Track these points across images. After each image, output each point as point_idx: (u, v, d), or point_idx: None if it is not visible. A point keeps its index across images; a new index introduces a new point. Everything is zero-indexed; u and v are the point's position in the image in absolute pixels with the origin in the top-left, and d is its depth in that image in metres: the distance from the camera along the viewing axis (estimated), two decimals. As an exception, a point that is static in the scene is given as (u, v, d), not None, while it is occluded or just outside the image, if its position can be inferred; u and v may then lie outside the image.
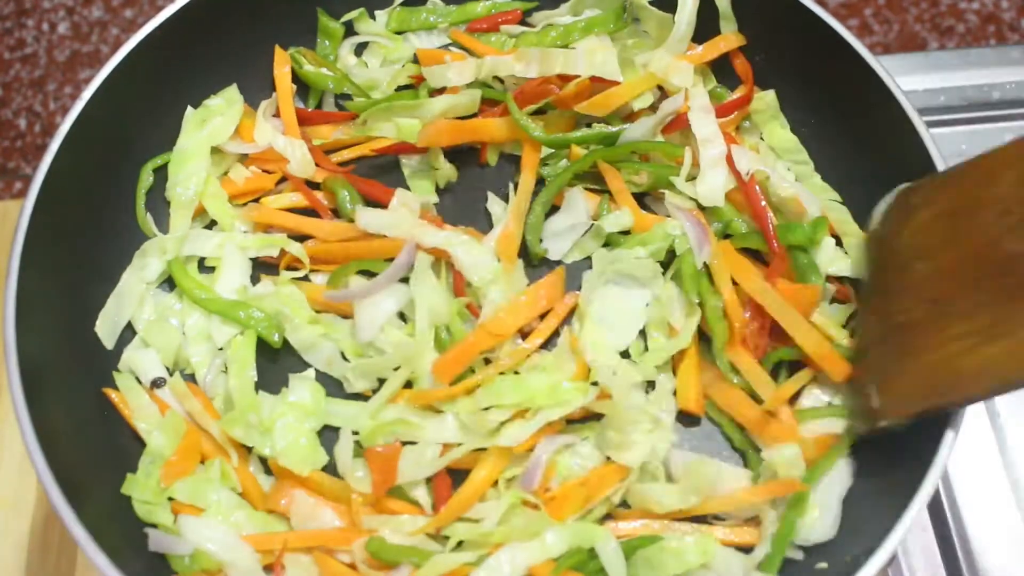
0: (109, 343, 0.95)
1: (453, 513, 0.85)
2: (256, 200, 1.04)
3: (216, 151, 1.04)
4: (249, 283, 0.99)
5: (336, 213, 1.01)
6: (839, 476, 0.88)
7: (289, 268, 1.00)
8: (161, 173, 1.03)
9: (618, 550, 0.83)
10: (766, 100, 1.05)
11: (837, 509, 0.88)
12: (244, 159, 1.06)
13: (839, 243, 0.98)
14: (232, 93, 1.06)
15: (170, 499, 0.88)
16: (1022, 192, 0.67)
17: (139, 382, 0.94)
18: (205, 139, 1.02)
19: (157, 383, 0.93)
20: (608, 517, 0.88)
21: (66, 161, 0.92)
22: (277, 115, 1.08)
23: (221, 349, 0.96)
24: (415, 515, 0.87)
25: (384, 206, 0.99)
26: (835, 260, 0.99)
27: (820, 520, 0.87)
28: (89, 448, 0.88)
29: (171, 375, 0.94)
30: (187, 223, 1.00)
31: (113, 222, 1.00)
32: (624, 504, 0.89)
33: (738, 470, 0.89)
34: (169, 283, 1.00)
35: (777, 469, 0.86)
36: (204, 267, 1.01)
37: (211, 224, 1.03)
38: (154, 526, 0.86)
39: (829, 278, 0.96)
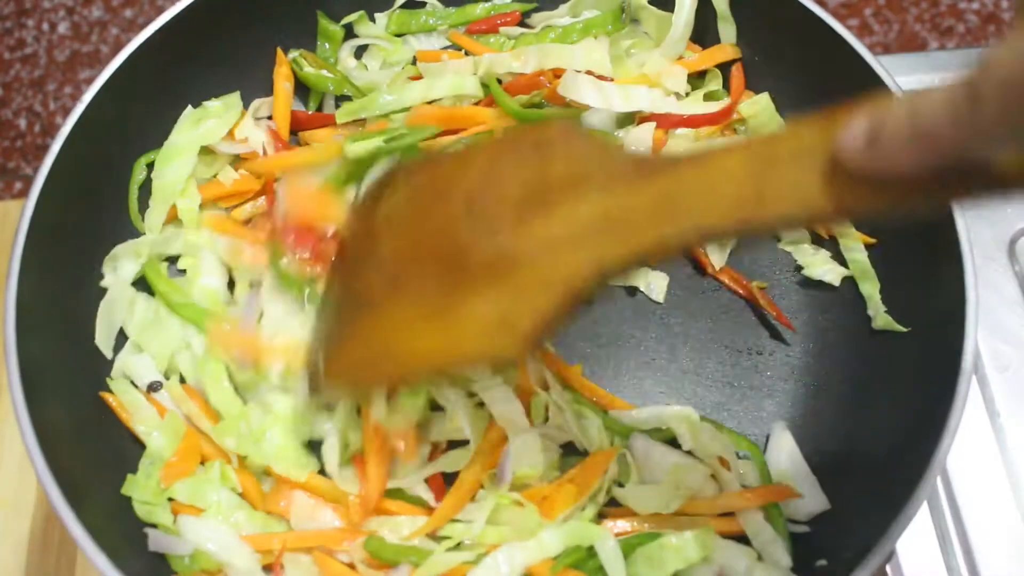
0: (108, 352, 0.95)
1: (446, 515, 0.85)
2: (241, 204, 1.03)
3: (208, 152, 1.03)
4: (225, 289, 0.98)
5: None
6: (783, 444, 0.90)
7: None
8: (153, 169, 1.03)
9: (616, 548, 0.83)
10: (760, 104, 1.04)
11: (812, 478, 0.89)
12: (235, 162, 1.05)
13: (819, 244, 1.00)
14: (233, 99, 1.06)
15: (170, 500, 0.88)
16: (483, 187, 0.69)
17: (135, 386, 0.94)
18: (197, 137, 1.02)
19: (153, 387, 0.93)
20: (603, 516, 0.88)
21: (67, 162, 0.92)
22: (272, 118, 1.08)
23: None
24: (413, 515, 0.87)
25: None
26: (813, 264, 0.99)
27: (803, 490, 0.88)
28: (89, 448, 0.88)
29: (167, 379, 0.94)
30: (162, 218, 1.00)
31: (114, 223, 1.00)
32: (615, 503, 0.89)
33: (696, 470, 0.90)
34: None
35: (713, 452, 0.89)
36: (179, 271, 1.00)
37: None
38: (154, 526, 0.86)
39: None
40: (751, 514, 0.87)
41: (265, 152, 1.02)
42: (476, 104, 1.05)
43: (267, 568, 0.85)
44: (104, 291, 0.96)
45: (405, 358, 0.71)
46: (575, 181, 0.65)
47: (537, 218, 0.65)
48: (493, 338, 0.65)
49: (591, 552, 0.84)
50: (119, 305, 0.96)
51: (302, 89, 1.10)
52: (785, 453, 0.92)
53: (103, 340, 0.95)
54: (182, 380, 0.95)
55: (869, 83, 0.95)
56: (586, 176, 0.64)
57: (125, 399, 0.92)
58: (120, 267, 0.97)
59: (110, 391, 0.92)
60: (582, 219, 0.63)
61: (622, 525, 0.87)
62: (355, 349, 0.75)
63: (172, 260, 1.01)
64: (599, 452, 0.89)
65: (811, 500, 0.89)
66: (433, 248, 0.71)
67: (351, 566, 0.85)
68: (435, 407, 0.91)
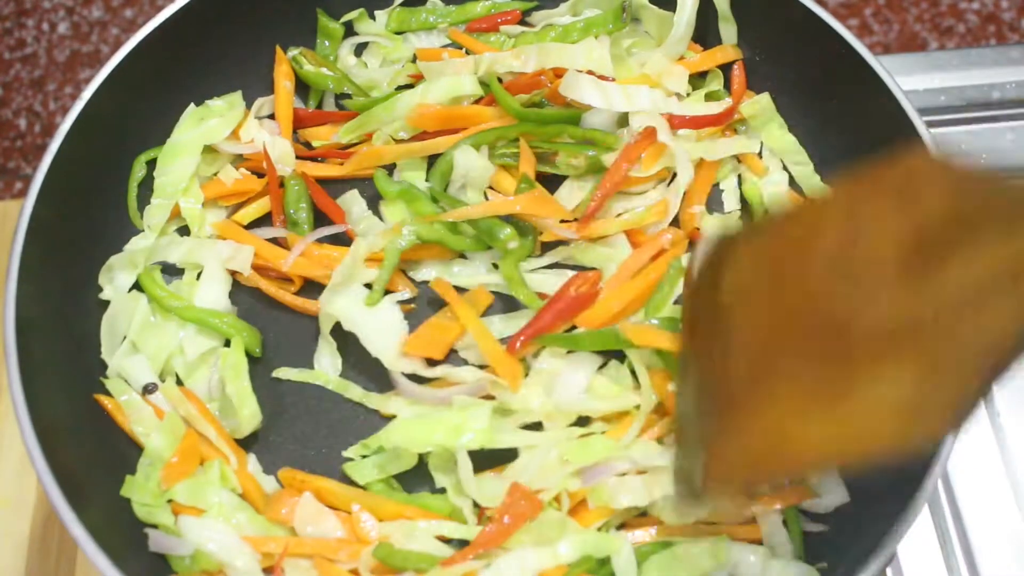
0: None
1: (503, 537, 0.83)
2: (242, 204, 1.03)
3: (210, 151, 1.03)
4: (227, 298, 0.98)
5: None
6: None
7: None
8: (154, 166, 1.02)
9: (632, 559, 0.83)
10: (761, 104, 1.04)
11: (833, 471, 0.88)
12: (237, 161, 1.05)
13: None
14: (235, 98, 1.06)
15: (169, 501, 0.87)
16: (847, 245, 0.60)
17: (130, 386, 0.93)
18: (200, 136, 1.02)
19: (149, 389, 0.93)
20: (622, 526, 0.88)
21: (66, 161, 0.92)
22: (274, 117, 1.08)
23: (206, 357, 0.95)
24: (428, 519, 0.86)
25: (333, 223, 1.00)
26: None
27: (823, 486, 0.88)
28: (90, 448, 0.88)
29: (163, 381, 0.94)
30: (165, 216, 0.99)
31: (114, 222, 1.00)
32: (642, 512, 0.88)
33: None
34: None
35: None
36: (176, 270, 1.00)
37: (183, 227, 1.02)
38: (154, 526, 0.86)
39: None
40: (770, 515, 0.87)
41: (267, 152, 1.02)
42: (476, 103, 1.05)
43: (267, 570, 0.85)
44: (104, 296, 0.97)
45: (801, 450, 0.61)
46: (965, 225, 0.55)
47: (931, 274, 0.55)
48: (906, 424, 0.56)
49: (604, 559, 0.83)
50: (121, 319, 0.96)
51: (302, 87, 1.10)
52: None
53: (108, 352, 0.94)
54: (179, 382, 0.95)
55: (869, 83, 0.95)
56: (977, 218, 0.55)
57: (122, 400, 0.92)
58: (116, 278, 0.97)
59: (102, 396, 0.92)
60: (990, 269, 0.53)
61: (639, 535, 0.86)
62: (739, 446, 0.65)
63: (169, 267, 1.01)
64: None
65: (831, 493, 0.89)
66: (802, 322, 0.61)
67: (354, 572, 0.85)
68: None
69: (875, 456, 0.59)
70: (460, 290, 0.97)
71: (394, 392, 0.92)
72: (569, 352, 0.92)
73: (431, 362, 0.93)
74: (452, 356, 0.95)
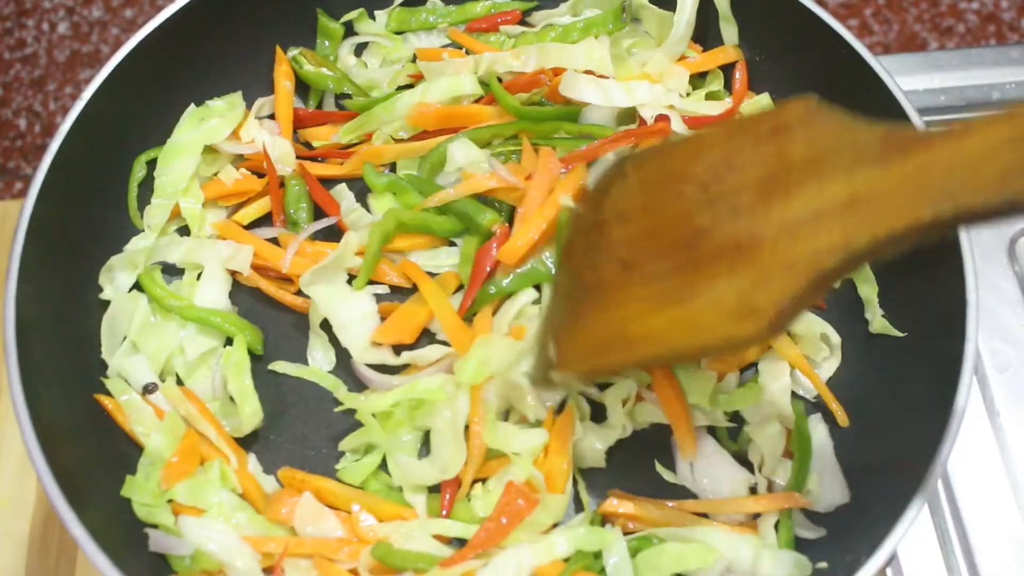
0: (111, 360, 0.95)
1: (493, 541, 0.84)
2: (242, 204, 1.04)
3: (210, 151, 1.03)
4: (227, 297, 0.99)
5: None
6: (816, 435, 0.91)
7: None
8: (154, 167, 1.02)
9: (626, 556, 0.83)
10: (761, 104, 1.05)
11: (837, 470, 0.89)
12: (237, 161, 1.05)
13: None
14: (236, 98, 1.06)
15: (169, 501, 0.87)
16: (720, 172, 0.69)
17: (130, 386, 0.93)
18: (200, 136, 1.02)
19: (149, 389, 0.93)
20: (607, 521, 0.88)
21: (66, 161, 0.92)
22: (274, 117, 1.08)
23: (207, 357, 0.96)
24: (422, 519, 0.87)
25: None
26: None
27: (824, 484, 0.88)
28: (90, 448, 0.88)
29: (163, 381, 0.94)
30: (165, 216, 1.00)
31: (114, 222, 1.00)
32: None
33: (737, 471, 0.90)
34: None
35: (762, 449, 0.89)
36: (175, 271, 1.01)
37: (183, 227, 1.03)
38: (154, 526, 0.86)
39: None
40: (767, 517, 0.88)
41: (267, 152, 1.02)
42: (476, 102, 1.06)
43: (267, 570, 0.85)
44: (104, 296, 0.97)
45: (641, 342, 0.70)
46: (818, 161, 0.63)
47: (779, 200, 0.63)
48: (735, 322, 0.64)
49: (598, 554, 0.84)
50: (121, 319, 0.96)
51: (302, 87, 1.10)
52: (815, 443, 0.92)
53: (108, 352, 0.94)
54: (179, 381, 0.95)
55: (869, 83, 0.95)
56: (830, 156, 0.63)
57: (122, 400, 0.92)
58: (116, 278, 0.97)
59: (102, 396, 0.92)
60: (827, 200, 0.61)
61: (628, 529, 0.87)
62: (588, 335, 0.75)
63: (169, 267, 1.01)
64: None
65: (832, 493, 0.89)
66: (667, 232, 0.70)
67: (354, 572, 0.85)
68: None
69: (707, 351, 0.71)
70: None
71: (370, 389, 0.93)
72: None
73: (398, 350, 0.95)
74: (420, 340, 0.96)
